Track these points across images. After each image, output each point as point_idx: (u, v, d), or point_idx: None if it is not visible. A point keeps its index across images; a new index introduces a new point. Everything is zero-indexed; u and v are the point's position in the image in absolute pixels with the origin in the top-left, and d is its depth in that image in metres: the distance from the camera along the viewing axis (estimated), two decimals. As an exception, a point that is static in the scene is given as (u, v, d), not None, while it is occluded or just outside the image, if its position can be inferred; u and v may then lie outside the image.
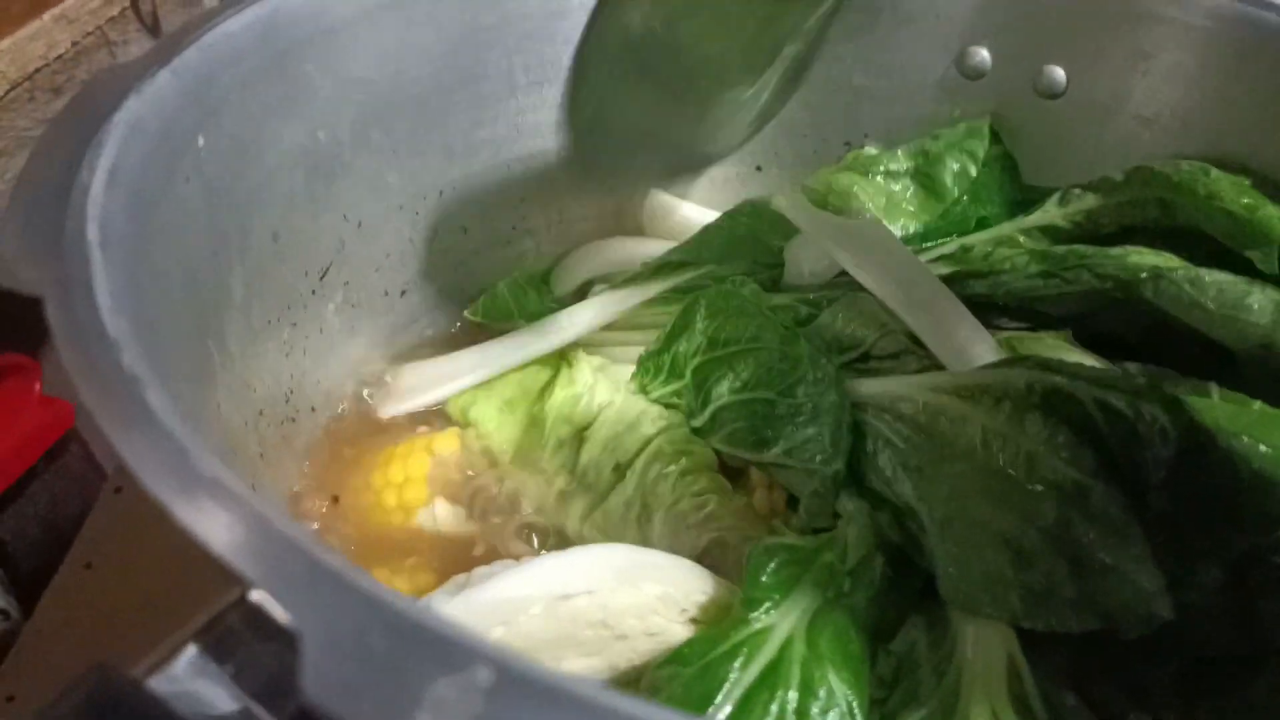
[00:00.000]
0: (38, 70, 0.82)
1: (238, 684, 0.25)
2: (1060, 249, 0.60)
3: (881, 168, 0.69)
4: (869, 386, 0.51)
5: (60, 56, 0.84)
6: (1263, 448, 0.41)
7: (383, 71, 0.58)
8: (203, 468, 0.24)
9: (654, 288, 0.63)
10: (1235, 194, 0.58)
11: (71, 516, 0.84)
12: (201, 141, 0.44)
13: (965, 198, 0.68)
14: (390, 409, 0.61)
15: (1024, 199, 0.69)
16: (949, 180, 0.68)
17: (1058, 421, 0.43)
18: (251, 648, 0.25)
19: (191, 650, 0.25)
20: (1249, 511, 0.41)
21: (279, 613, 0.21)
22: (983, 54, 0.69)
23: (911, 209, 0.68)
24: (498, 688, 0.20)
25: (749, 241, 0.65)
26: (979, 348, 0.52)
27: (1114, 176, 0.63)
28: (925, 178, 0.69)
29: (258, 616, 0.24)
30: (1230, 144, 0.61)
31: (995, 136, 0.70)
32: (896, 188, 0.68)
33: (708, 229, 0.65)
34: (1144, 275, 0.56)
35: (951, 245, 0.66)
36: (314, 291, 0.57)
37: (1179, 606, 0.39)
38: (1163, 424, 0.41)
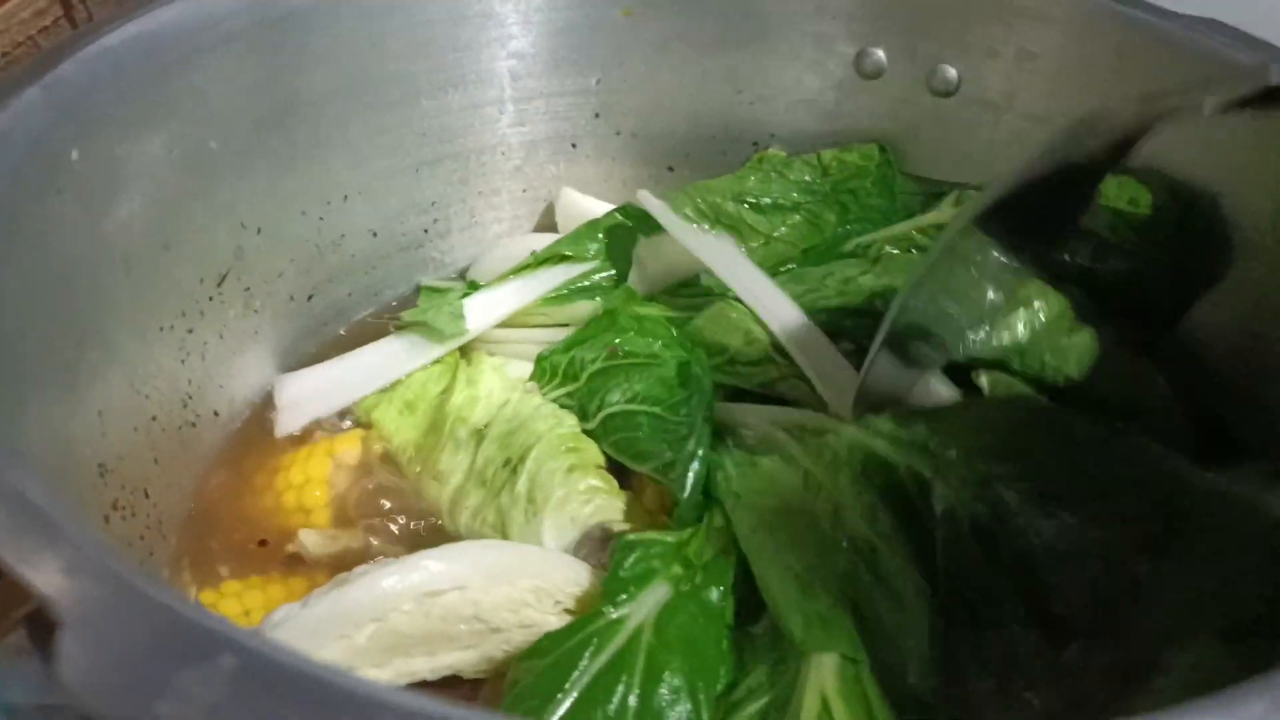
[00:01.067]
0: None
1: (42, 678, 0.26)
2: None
3: (769, 199, 0.69)
4: (725, 412, 0.54)
5: (-11, 68, 0.85)
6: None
7: (280, 79, 0.59)
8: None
9: (541, 281, 0.66)
10: (1119, 190, 0.60)
11: None
12: (75, 155, 0.45)
13: (846, 227, 0.70)
14: (282, 427, 0.61)
15: (923, 192, 0.71)
16: (833, 218, 0.70)
17: (868, 484, 0.47)
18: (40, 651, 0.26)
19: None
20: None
21: (50, 608, 0.23)
22: (879, 55, 0.71)
23: (793, 241, 0.69)
24: (241, 674, 0.21)
25: (627, 241, 0.68)
26: (835, 367, 0.56)
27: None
28: (811, 215, 0.70)
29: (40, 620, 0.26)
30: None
31: (884, 155, 0.71)
32: (782, 230, 0.69)
33: (593, 224, 0.68)
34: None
35: (850, 244, 0.68)
36: (211, 298, 0.58)
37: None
38: (952, 503, 0.44)
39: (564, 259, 0.68)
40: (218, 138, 0.56)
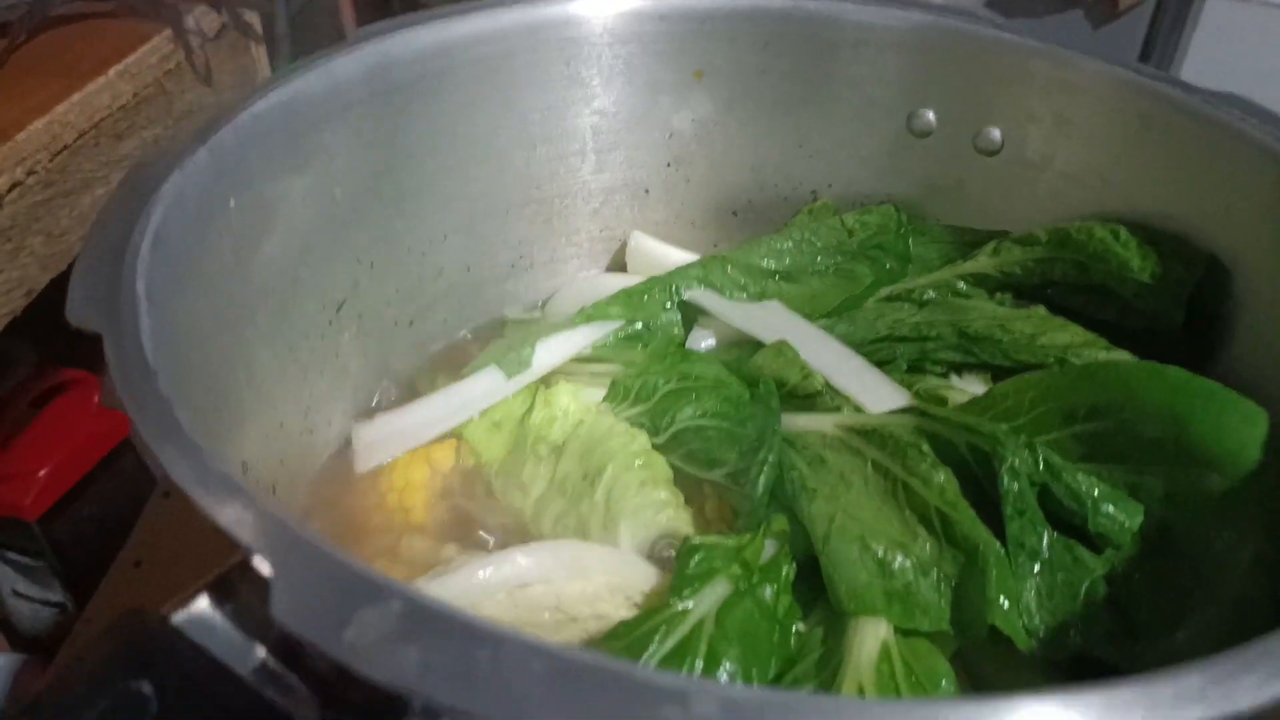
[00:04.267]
0: (103, 119, 0.92)
1: (236, 619, 0.34)
2: (980, 328, 0.68)
3: (803, 267, 0.78)
4: (790, 421, 0.61)
5: (123, 106, 0.95)
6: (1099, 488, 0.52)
7: (392, 138, 0.68)
8: (213, 465, 0.34)
9: (601, 329, 0.75)
10: (1143, 264, 0.67)
11: (124, 519, 0.92)
12: (233, 203, 0.54)
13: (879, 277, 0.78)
14: (361, 465, 0.67)
15: (962, 240, 0.78)
16: (867, 269, 0.78)
17: (935, 459, 0.54)
18: (246, 596, 0.34)
19: (204, 596, 0.34)
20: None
21: (263, 567, 0.31)
22: (929, 116, 0.77)
23: (831, 294, 0.77)
24: (407, 614, 0.29)
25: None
26: (885, 391, 0.63)
27: (1039, 235, 0.71)
28: (845, 272, 0.78)
29: (249, 573, 0.34)
30: (1140, 200, 0.69)
31: (900, 215, 0.80)
32: (818, 287, 0.77)
33: (651, 289, 0.77)
34: (1050, 360, 0.65)
35: (892, 288, 0.75)
36: (330, 323, 0.67)
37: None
38: (1015, 463, 0.52)
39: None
40: (342, 187, 0.65)
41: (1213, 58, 1.67)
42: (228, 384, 0.54)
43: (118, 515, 0.92)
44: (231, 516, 0.32)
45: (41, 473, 0.85)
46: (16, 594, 0.93)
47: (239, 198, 0.54)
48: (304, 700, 0.34)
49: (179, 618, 0.33)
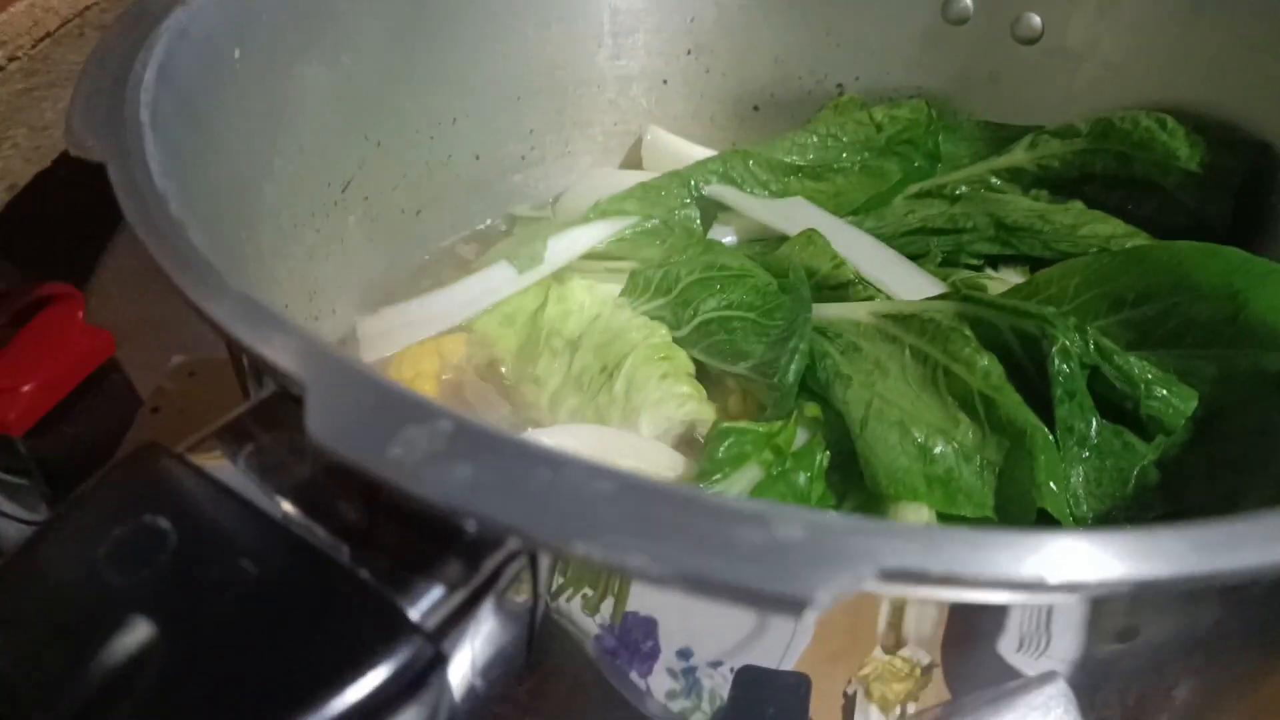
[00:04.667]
0: (88, 7, 0.88)
1: (251, 467, 0.31)
2: (1018, 219, 0.65)
3: (827, 163, 0.75)
4: (821, 311, 0.58)
5: (108, -5, 0.90)
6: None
7: (406, 5, 0.64)
8: (231, 284, 0.30)
9: (615, 226, 0.71)
10: (1191, 153, 0.64)
11: (110, 436, 0.90)
12: (237, 54, 0.50)
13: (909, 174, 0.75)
14: (370, 353, 0.65)
15: (994, 137, 0.74)
16: (895, 167, 0.74)
17: (978, 344, 0.51)
18: (262, 440, 0.32)
19: (218, 438, 0.31)
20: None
21: (295, 385, 0.27)
22: (965, 1, 0.74)
23: (858, 190, 0.74)
24: (457, 433, 0.26)
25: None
26: (920, 281, 0.61)
27: (1079, 125, 0.68)
28: (872, 169, 0.75)
29: (270, 410, 0.31)
30: (1186, 88, 0.66)
31: (930, 110, 0.76)
32: (843, 184, 0.74)
33: (669, 183, 0.73)
34: (1092, 251, 0.62)
35: (921, 184, 0.72)
36: (336, 203, 0.63)
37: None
38: (1066, 344, 0.49)
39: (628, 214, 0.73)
40: (351, 54, 0.61)
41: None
42: (233, 251, 0.50)
43: (104, 433, 0.90)
44: (258, 335, 0.29)
45: (26, 388, 0.81)
46: (2, 514, 0.90)
47: (244, 49, 0.51)
48: (330, 547, 0.31)
49: (196, 456, 0.30)
